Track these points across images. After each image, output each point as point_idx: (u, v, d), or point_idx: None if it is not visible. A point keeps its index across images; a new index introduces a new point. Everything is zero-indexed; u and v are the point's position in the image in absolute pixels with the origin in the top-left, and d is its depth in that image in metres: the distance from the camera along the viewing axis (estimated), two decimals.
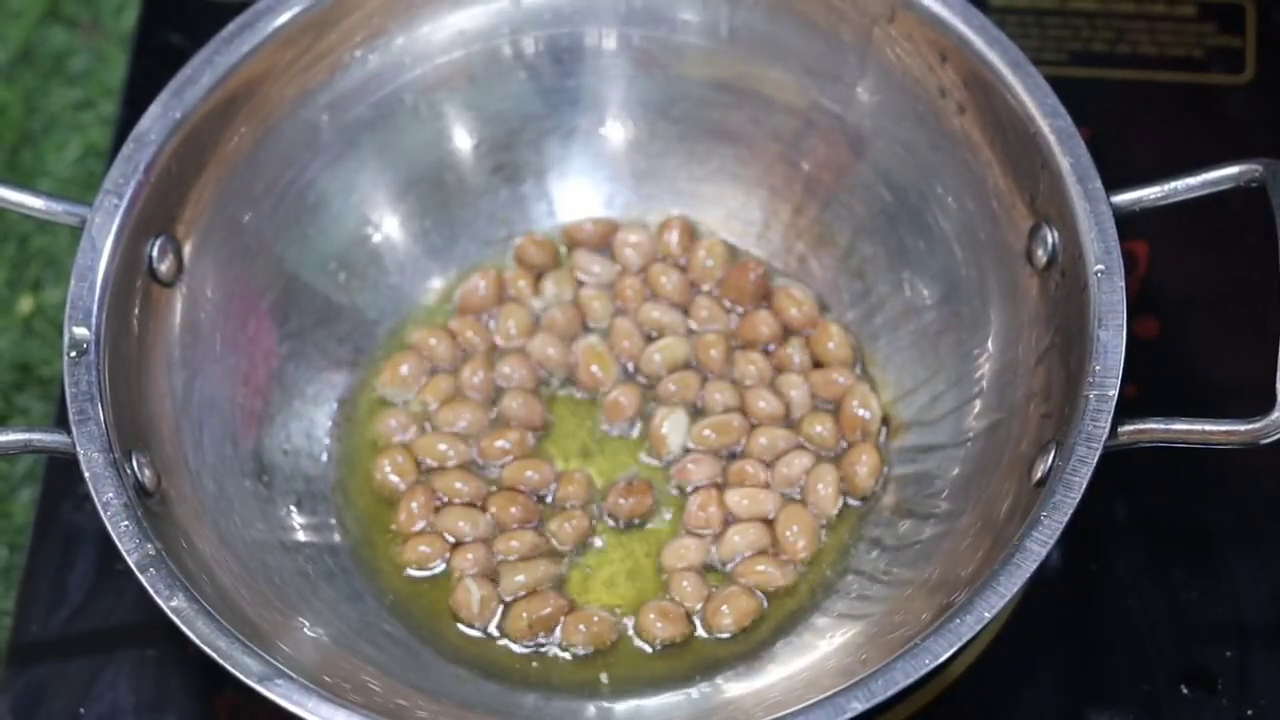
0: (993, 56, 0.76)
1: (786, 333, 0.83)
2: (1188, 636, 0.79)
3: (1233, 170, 0.73)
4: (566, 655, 0.77)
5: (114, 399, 0.72)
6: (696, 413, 0.82)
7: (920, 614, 0.72)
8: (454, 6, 0.82)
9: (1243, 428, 0.69)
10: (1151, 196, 0.74)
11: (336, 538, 0.79)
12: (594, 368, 0.82)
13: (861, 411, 0.80)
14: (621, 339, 0.83)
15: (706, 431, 0.81)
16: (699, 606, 0.77)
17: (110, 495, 0.70)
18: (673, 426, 0.81)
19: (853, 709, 0.66)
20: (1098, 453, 0.69)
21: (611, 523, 0.80)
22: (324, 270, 0.82)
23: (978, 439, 0.77)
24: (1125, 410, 0.70)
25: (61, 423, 0.73)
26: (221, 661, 0.67)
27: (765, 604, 0.78)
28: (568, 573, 0.79)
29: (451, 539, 0.79)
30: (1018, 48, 0.76)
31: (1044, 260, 0.75)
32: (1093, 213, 0.73)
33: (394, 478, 0.80)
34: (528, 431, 0.81)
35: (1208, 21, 0.91)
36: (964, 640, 0.67)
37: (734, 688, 0.75)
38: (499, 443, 0.80)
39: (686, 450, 0.81)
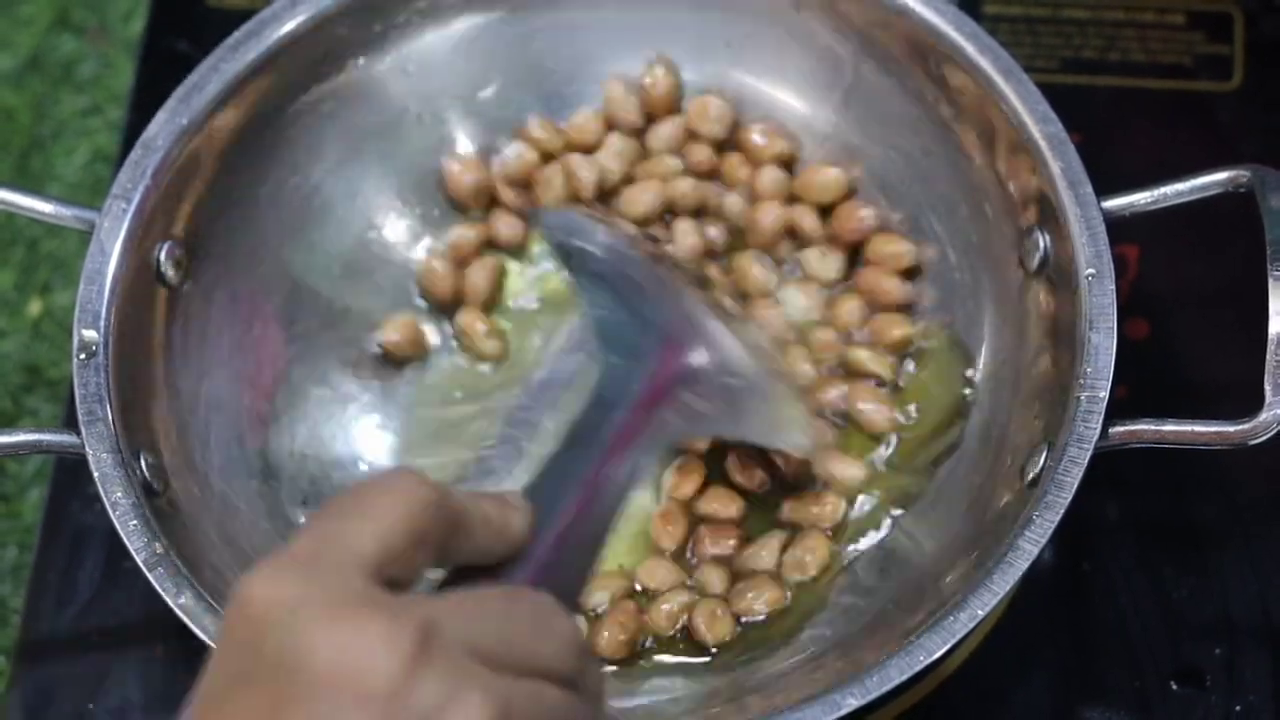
0: (985, 64, 0.76)
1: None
2: (1178, 634, 0.79)
3: (1221, 176, 0.74)
4: None
5: (122, 400, 0.73)
6: None
7: (914, 611, 0.72)
8: (456, 14, 0.82)
9: (1231, 429, 0.69)
10: (1141, 201, 0.74)
11: None
12: None
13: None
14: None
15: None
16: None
17: (118, 495, 0.71)
18: None
19: (848, 705, 0.66)
20: (1089, 453, 0.69)
21: None
22: (329, 274, 0.83)
23: (971, 439, 0.78)
24: (1116, 411, 0.70)
25: (70, 424, 0.73)
26: None
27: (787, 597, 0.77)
28: None
29: None
30: (1010, 55, 0.76)
31: (1036, 264, 0.76)
32: (1084, 217, 0.73)
33: None
34: None
35: (1196, 29, 0.91)
36: (957, 638, 0.67)
37: (730, 684, 0.76)
38: None
39: None
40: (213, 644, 0.67)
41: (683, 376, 0.65)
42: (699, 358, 0.65)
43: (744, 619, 0.76)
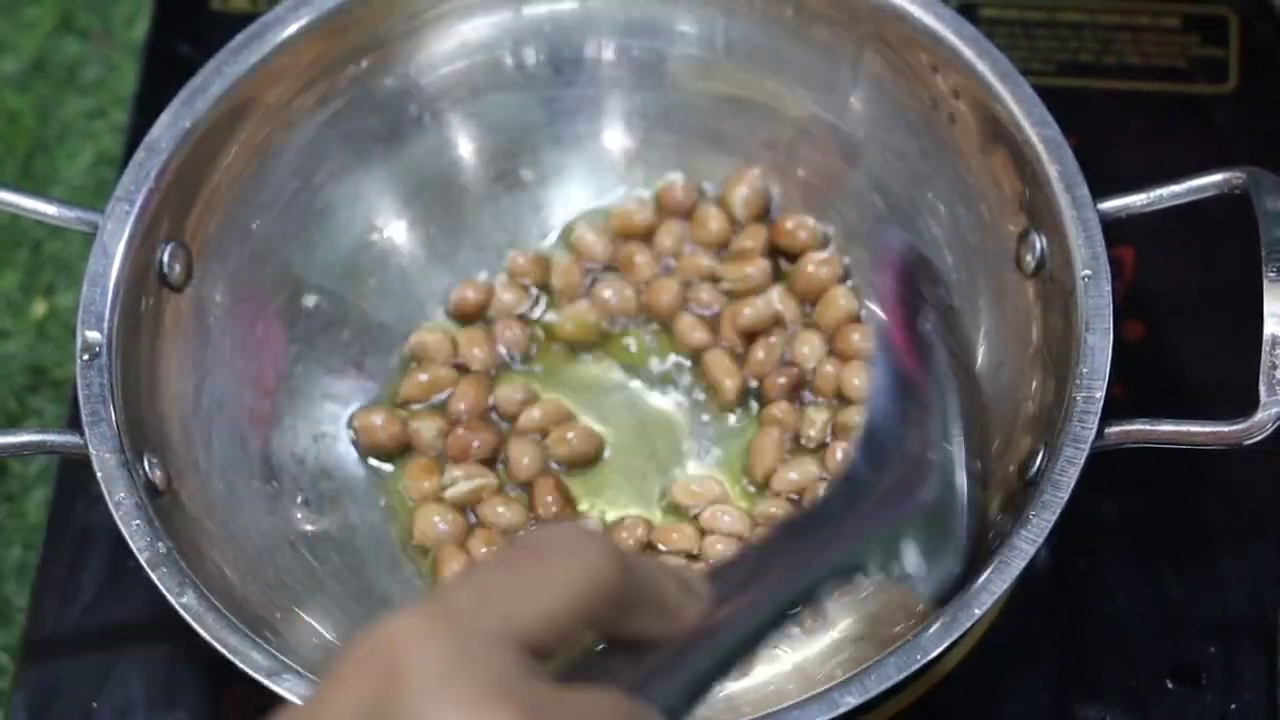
0: (982, 67, 0.77)
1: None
2: (1174, 633, 0.79)
3: (1216, 178, 0.74)
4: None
5: (125, 401, 0.73)
6: None
7: (912, 609, 0.73)
8: (458, 18, 0.83)
9: (1227, 429, 0.70)
10: (1137, 203, 0.75)
11: (343, 536, 0.80)
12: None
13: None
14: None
15: None
16: None
17: (122, 495, 0.71)
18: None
19: (846, 703, 0.66)
20: (1085, 453, 0.70)
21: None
22: (330, 275, 0.83)
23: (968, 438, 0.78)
24: (1112, 411, 0.70)
25: (74, 424, 0.74)
26: (231, 657, 0.68)
27: None
28: None
29: None
30: (1007, 58, 0.77)
31: (1033, 265, 0.76)
32: (1080, 219, 0.74)
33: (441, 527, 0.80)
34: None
35: (1192, 32, 0.91)
36: (955, 636, 0.67)
37: (729, 681, 0.76)
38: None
39: None
40: (215, 643, 0.68)
41: (902, 511, 0.63)
42: (924, 495, 0.64)
43: None
